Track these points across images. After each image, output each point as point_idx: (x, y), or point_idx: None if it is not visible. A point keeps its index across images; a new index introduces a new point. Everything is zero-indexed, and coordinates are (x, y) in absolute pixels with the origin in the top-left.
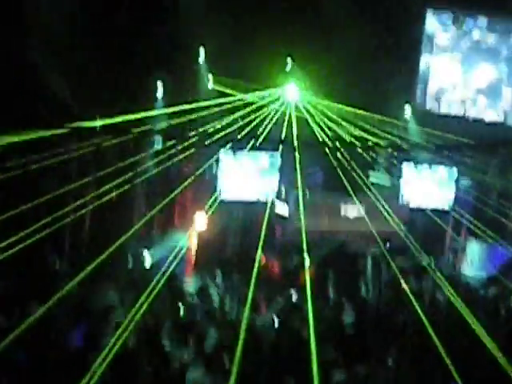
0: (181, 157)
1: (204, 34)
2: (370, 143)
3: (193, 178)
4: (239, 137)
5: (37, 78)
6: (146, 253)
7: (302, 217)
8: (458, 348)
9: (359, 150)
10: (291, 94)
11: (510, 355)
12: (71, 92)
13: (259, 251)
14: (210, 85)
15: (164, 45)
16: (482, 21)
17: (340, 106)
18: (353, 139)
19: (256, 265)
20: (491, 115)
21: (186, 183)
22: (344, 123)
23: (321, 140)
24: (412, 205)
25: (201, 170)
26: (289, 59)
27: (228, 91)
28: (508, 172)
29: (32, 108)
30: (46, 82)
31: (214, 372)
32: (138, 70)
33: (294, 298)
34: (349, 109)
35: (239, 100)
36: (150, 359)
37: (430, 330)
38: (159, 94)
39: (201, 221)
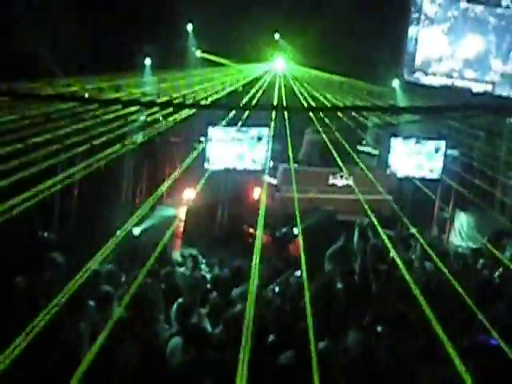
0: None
1: (192, 10)
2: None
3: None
4: (229, 109)
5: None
6: (134, 229)
7: (290, 186)
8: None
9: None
10: (279, 66)
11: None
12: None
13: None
14: (198, 56)
15: (152, 20)
16: None
17: (329, 75)
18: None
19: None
20: (479, 86)
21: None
22: (333, 92)
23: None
24: (400, 174)
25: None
26: (277, 34)
27: (217, 62)
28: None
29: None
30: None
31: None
32: (127, 42)
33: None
34: (338, 78)
35: (228, 71)
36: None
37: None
38: (147, 64)
39: (189, 193)
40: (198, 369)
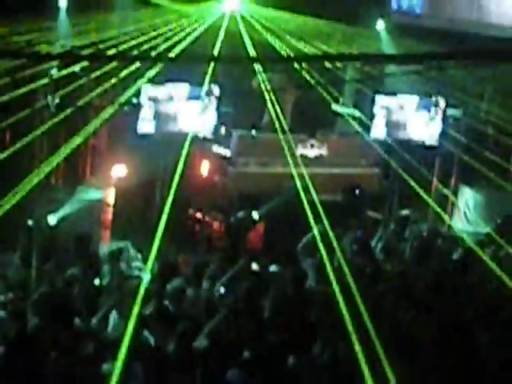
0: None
1: None
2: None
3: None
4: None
5: None
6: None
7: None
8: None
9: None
10: (232, 5)
11: None
12: None
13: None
14: None
15: None
16: None
17: (297, 17)
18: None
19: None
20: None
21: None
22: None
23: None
24: (387, 139)
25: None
26: None
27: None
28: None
29: None
30: None
31: None
32: None
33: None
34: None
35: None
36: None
37: None
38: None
39: (119, 169)
40: None
